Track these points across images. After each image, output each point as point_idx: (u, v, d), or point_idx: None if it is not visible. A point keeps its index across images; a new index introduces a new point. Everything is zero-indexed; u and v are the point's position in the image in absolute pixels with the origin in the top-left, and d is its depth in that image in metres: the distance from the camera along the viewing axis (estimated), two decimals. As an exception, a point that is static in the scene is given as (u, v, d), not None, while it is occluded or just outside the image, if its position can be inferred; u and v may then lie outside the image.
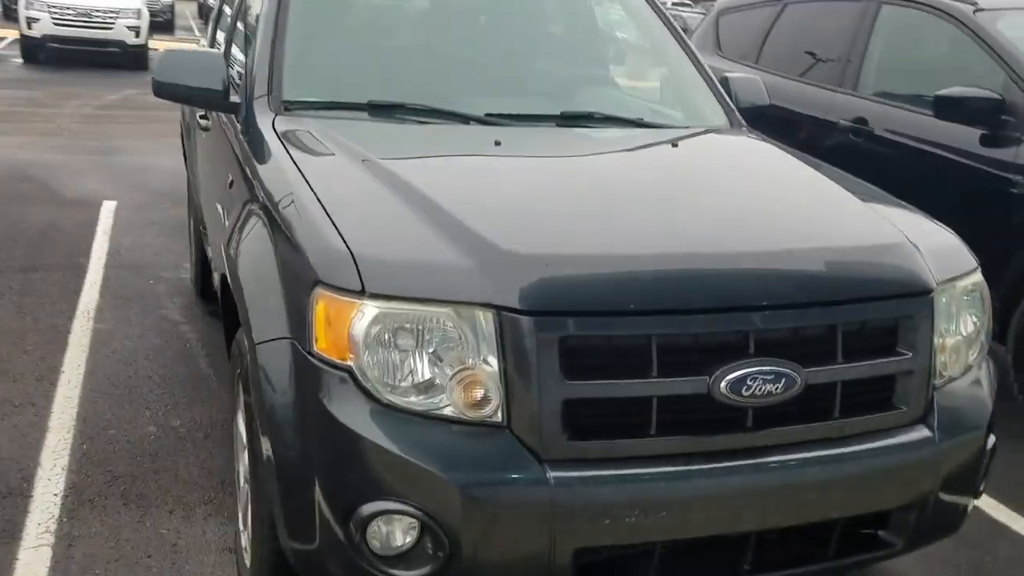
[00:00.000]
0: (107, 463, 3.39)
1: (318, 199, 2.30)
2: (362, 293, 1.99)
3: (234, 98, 3.07)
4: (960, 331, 2.40)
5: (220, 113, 3.37)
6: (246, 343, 2.38)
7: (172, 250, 5.97)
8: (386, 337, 1.99)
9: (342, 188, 2.38)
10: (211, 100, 3.10)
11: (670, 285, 2.08)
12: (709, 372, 2.04)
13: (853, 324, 2.18)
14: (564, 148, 2.96)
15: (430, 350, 1.99)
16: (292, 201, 2.34)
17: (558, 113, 3.12)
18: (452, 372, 1.98)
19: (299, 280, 2.13)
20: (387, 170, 2.47)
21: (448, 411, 1.99)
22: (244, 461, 2.64)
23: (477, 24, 3.47)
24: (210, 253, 4.31)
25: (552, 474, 1.95)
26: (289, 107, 2.95)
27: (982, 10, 4.66)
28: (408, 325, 1.99)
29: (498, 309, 1.97)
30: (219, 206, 3.28)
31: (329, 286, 2.03)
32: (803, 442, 2.15)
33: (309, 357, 2.05)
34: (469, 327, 1.98)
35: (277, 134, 2.77)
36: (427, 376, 1.99)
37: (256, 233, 2.45)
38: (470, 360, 1.98)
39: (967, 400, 2.40)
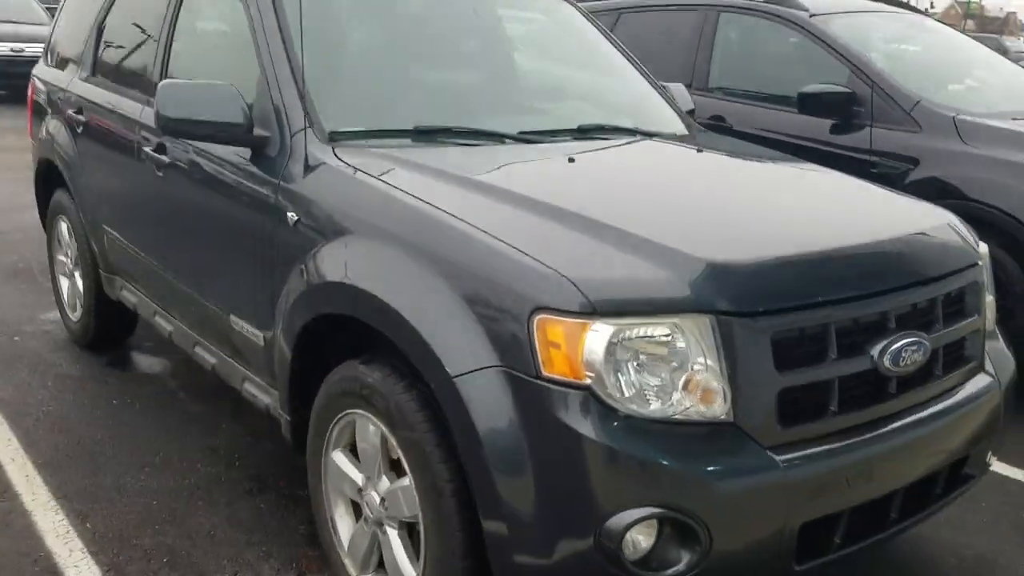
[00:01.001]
0: (127, 537, 3.10)
1: (478, 228, 2.32)
2: (592, 313, 2.07)
3: (260, 131, 2.93)
4: (990, 292, 2.86)
5: (202, 147, 3.17)
6: (395, 382, 2.40)
7: (14, 301, 5.37)
8: (620, 352, 2.08)
9: (488, 214, 2.40)
10: (232, 135, 2.93)
11: (840, 275, 2.33)
12: (870, 350, 2.32)
13: (945, 295, 2.56)
14: (629, 160, 3.12)
15: (660, 359, 2.11)
16: (451, 233, 2.34)
17: (575, 127, 3.28)
18: (682, 378, 2.11)
19: (506, 308, 2.16)
20: (511, 192, 2.52)
21: (682, 415, 2.11)
22: (374, 498, 2.57)
23: (471, 43, 3.53)
24: (133, 299, 4.02)
25: (779, 458, 2.15)
26: (335, 138, 2.87)
27: (816, 15, 5.34)
28: (639, 338, 2.10)
29: (716, 314, 2.13)
30: (231, 248, 3.10)
31: (553, 310, 2.09)
32: (925, 401, 2.50)
33: (538, 381, 2.09)
34: (692, 334, 2.12)
35: (353, 166, 2.71)
36: (660, 384, 2.11)
37: (400, 269, 2.39)
38: (696, 365, 2.12)
39: (1000, 348, 2.87)
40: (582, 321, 2.07)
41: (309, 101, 2.92)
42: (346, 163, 2.74)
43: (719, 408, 2.13)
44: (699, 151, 3.28)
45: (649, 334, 2.11)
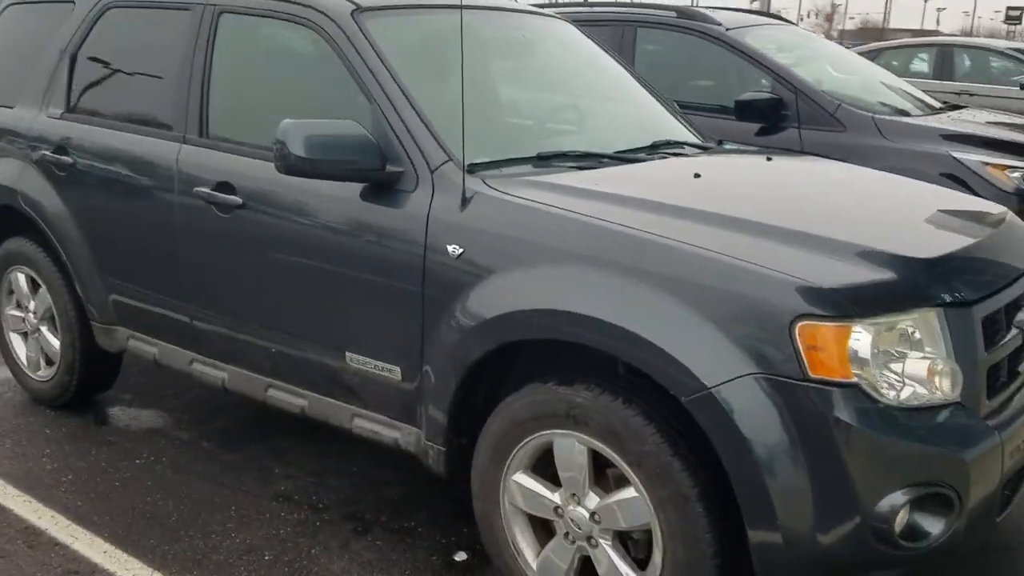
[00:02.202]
0: (265, 596, 2.96)
1: (694, 244, 2.46)
2: (852, 316, 2.28)
3: (392, 168, 2.91)
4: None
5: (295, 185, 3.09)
6: (610, 400, 2.52)
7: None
8: (878, 349, 2.31)
9: (688, 230, 2.53)
10: (366, 172, 2.90)
11: (1000, 262, 2.68)
12: (1015, 325, 2.68)
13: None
14: (737, 171, 3.36)
15: (906, 353, 2.35)
16: (670, 252, 2.47)
17: (649, 144, 3.46)
18: (924, 367, 2.35)
19: (758, 318, 2.32)
20: (688, 209, 2.69)
21: (927, 400, 2.36)
22: (580, 514, 2.64)
23: (532, 69, 3.62)
24: (151, 349, 3.78)
25: (992, 424, 2.46)
26: (472, 169, 2.89)
27: (730, 28, 5.79)
28: (889, 335, 2.33)
29: (943, 306, 2.40)
30: (351, 285, 3.03)
31: (816, 316, 2.27)
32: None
33: (805, 383, 2.27)
34: (928, 326, 2.38)
35: (518, 195, 2.76)
36: (908, 375, 2.34)
37: (621, 291, 2.47)
38: (933, 354, 2.38)
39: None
40: (844, 324, 2.28)
41: (435, 133, 2.93)
42: (507, 192, 2.78)
43: (953, 391, 2.39)
44: (769, 160, 3.56)
45: (897, 331, 2.34)
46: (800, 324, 2.28)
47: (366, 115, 3.02)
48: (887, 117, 5.35)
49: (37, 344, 4.35)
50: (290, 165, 2.84)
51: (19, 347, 4.46)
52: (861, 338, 2.28)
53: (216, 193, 3.34)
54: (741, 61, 5.69)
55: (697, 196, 2.88)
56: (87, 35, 3.98)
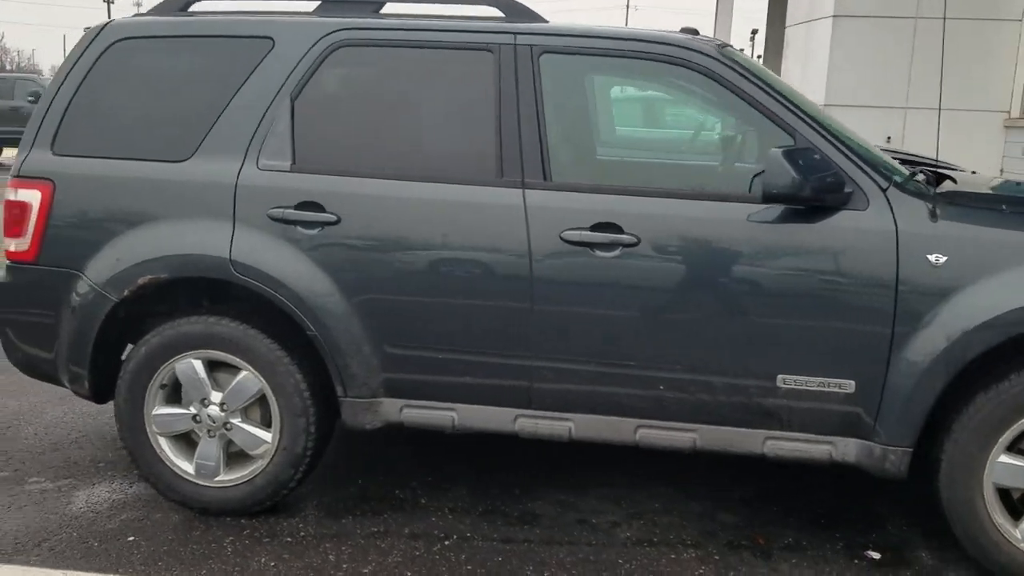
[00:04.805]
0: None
1: None
2: None
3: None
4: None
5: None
6: None
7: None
8: None
9: None
10: (836, 196, 3.09)
11: None
12: None
13: None
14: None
15: None
16: None
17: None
18: None
19: None
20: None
21: None
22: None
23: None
24: (448, 415, 3.48)
25: None
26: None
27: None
28: None
29: None
30: (792, 309, 3.16)
31: None
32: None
33: None
34: None
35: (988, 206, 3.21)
36: None
37: None
38: None
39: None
40: None
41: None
42: (972, 204, 3.20)
43: None
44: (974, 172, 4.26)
45: None
46: None
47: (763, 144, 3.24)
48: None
49: (219, 444, 3.64)
50: (781, 191, 2.98)
51: (175, 454, 3.68)
52: None
53: (598, 233, 3.21)
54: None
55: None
56: (309, 77, 3.50)
